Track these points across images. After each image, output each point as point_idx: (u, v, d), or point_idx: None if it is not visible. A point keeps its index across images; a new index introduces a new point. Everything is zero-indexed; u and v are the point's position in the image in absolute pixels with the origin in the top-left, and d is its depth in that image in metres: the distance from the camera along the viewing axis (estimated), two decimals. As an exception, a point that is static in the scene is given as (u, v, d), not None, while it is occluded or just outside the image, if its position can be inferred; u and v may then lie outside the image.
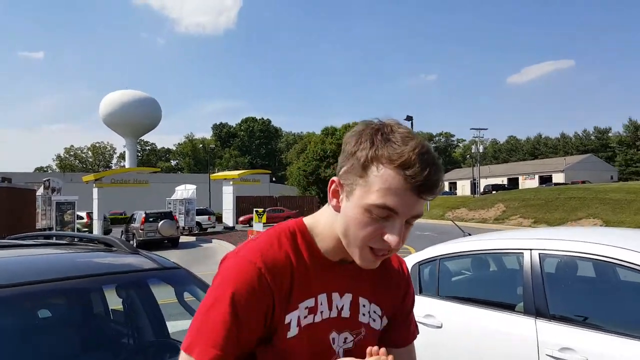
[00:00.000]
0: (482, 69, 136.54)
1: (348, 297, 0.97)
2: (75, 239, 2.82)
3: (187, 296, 2.27)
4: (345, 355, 0.97)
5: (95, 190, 20.62)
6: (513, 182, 65.74)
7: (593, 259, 2.75)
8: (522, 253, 2.95)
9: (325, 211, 0.96)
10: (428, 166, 0.80)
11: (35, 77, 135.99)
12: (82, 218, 23.52)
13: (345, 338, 0.97)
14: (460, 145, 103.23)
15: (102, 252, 2.37)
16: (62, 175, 43.84)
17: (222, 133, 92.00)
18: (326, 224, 0.94)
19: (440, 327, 3.12)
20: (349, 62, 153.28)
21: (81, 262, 2.22)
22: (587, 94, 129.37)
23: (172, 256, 2.59)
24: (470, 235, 3.98)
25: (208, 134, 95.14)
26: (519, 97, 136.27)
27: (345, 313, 0.96)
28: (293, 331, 0.89)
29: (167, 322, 2.42)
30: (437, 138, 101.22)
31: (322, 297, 0.94)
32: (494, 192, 41.27)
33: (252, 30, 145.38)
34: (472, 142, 71.58)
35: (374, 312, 1.01)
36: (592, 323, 2.59)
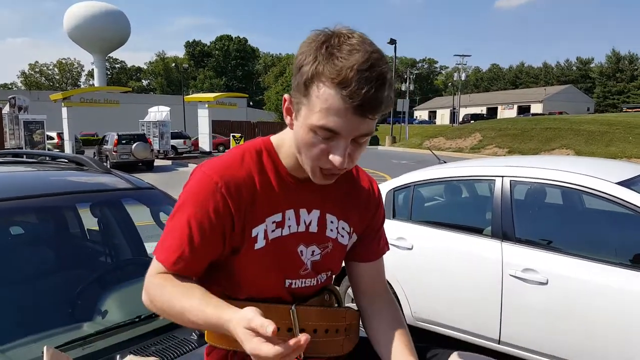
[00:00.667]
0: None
1: (316, 213, 1.01)
2: (46, 158, 2.74)
3: (163, 217, 2.27)
4: (313, 267, 1.03)
5: (64, 110, 19.80)
6: (492, 112, 66.17)
7: (561, 186, 2.85)
8: (494, 180, 3.03)
9: (290, 130, 0.95)
10: (368, 84, 0.76)
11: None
12: (52, 138, 22.87)
13: (313, 251, 1.02)
14: (443, 72, 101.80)
15: (74, 170, 2.30)
16: (29, 93, 41.83)
17: (196, 52, 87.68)
18: (289, 141, 0.95)
19: (411, 248, 3.26)
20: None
21: (53, 180, 2.16)
22: (575, 22, 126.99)
23: (148, 179, 2.55)
24: (445, 162, 4.04)
25: (181, 53, 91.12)
26: (505, 22, 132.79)
27: (313, 228, 1.00)
28: (260, 243, 0.94)
29: (144, 243, 2.44)
30: (420, 64, 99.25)
31: (290, 213, 0.97)
32: (472, 121, 41.59)
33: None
34: (454, 70, 70.72)
35: (342, 228, 1.05)
36: (555, 247, 2.74)
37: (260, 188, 0.94)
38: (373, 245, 1.12)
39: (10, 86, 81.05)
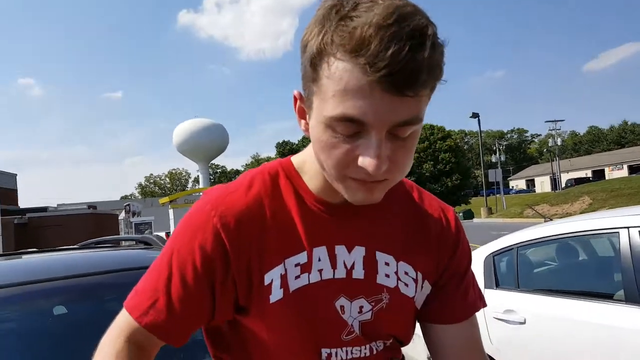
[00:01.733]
0: (554, 59, 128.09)
1: (360, 251, 0.72)
2: (121, 242, 2.96)
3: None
4: (363, 330, 0.72)
5: (170, 211, 21.81)
6: (598, 174, 60.73)
7: None
8: (617, 232, 2.51)
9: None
10: (396, 41, 0.50)
11: (117, 115, 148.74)
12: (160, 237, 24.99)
13: (361, 306, 0.71)
14: (536, 140, 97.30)
15: (141, 249, 2.43)
16: (143, 201, 47.07)
17: (285, 150, 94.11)
18: (313, 157, 0.69)
19: (524, 322, 2.73)
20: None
21: (116, 258, 2.24)
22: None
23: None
24: (551, 220, 3.53)
25: (273, 153, 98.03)
26: (598, 84, 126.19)
27: (358, 273, 0.71)
28: (277, 294, 0.67)
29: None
30: (509, 135, 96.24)
31: (320, 251, 0.70)
32: (577, 185, 38.26)
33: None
34: (548, 136, 67.29)
35: (405, 273, 0.75)
36: None
37: (273, 219, 0.69)
38: (457, 299, 0.79)
39: (129, 197, 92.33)
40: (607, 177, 55.65)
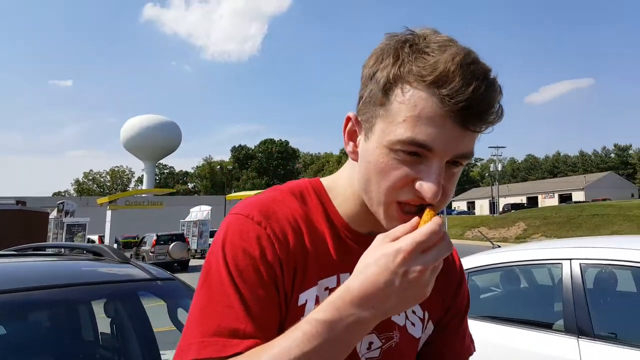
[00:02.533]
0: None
1: None
2: (64, 250, 2.69)
3: (182, 314, 2.01)
4: None
5: (108, 213, 20.61)
6: (532, 201, 64.58)
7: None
8: (560, 264, 2.62)
9: (346, 167, 0.73)
10: (474, 80, 0.55)
11: (63, 105, 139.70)
12: (93, 241, 23.49)
13: (370, 342, 0.70)
14: (478, 164, 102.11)
15: (90, 261, 2.21)
16: (79, 199, 44.35)
17: (241, 155, 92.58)
18: (347, 181, 0.71)
19: (469, 349, 2.77)
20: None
21: (65, 270, 2.05)
22: (606, 112, 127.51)
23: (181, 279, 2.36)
24: (499, 247, 3.65)
25: (227, 157, 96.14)
26: (537, 116, 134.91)
27: None
28: None
29: (160, 352, 2.18)
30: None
31: (346, 278, 0.66)
32: (513, 210, 40.39)
33: (275, 56, 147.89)
34: (490, 161, 70.80)
35: (413, 312, 0.75)
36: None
37: (309, 238, 0.67)
38: (457, 340, 0.80)
39: (63, 194, 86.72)
40: (540, 204, 59.29)
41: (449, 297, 0.79)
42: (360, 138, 0.65)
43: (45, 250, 2.76)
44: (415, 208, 0.61)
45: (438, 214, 0.60)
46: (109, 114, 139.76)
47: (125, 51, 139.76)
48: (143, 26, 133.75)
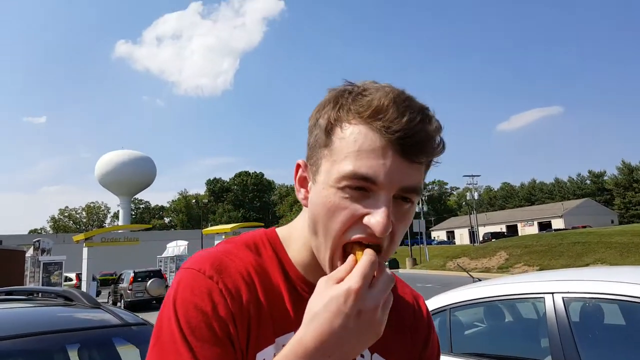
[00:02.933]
0: (470, 118, 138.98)
1: None
2: (37, 294, 2.64)
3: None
4: None
5: (84, 250, 19.97)
6: (512, 229, 65.36)
7: (629, 301, 2.38)
8: (543, 298, 2.59)
9: (301, 215, 0.72)
10: (408, 111, 0.58)
11: (37, 141, 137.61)
12: (70, 280, 22.71)
13: None
14: (455, 193, 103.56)
15: (62, 307, 2.19)
16: (55, 237, 43.10)
17: (216, 188, 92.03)
18: (302, 231, 0.69)
19: (457, 389, 2.69)
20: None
21: (36, 316, 2.05)
22: (578, 139, 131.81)
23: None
24: (479, 280, 3.62)
25: (202, 190, 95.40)
26: (509, 144, 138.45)
27: None
28: None
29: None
30: (430, 186, 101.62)
31: None
32: (493, 239, 40.75)
33: (247, 89, 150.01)
34: (466, 190, 71.91)
35: (362, 356, 0.72)
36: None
37: (263, 292, 0.66)
38: None
39: (39, 231, 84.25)
40: (519, 232, 60.05)
41: (418, 350, 0.77)
42: (310, 184, 0.65)
43: (15, 295, 2.71)
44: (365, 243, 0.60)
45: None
46: (83, 149, 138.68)
47: (98, 87, 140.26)
48: (115, 63, 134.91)
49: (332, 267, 0.61)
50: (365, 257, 0.56)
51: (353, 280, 0.53)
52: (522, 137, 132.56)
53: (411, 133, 0.57)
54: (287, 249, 0.71)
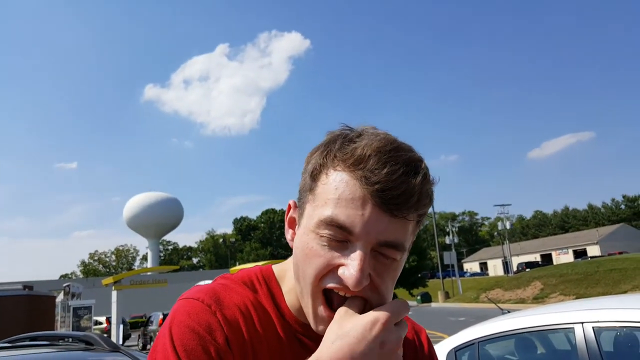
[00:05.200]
0: (501, 146, 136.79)
1: None
2: (58, 339, 2.66)
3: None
4: None
5: (113, 293, 20.25)
6: (546, 258, 63.08)
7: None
8: (572, 328, 2.51)
9: None
10: (390, 163, 0.57)
11: (69, 187, 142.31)
12: (101, 323, 22.90)
13: None
14: (486, 223, 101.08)
15: (81, 350, 2.20)
16: (85, 281, 43.88)
17: (243, 227, 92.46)
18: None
19: None
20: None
21: None
22: (611, 163, 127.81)
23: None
24: (508, 312, 3.53)
25: (229, 229, 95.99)
26: (541, 171, 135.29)
27: None
28: None
29: None
30: (460, 217, 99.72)
31: None
32: (527, 269, 39.33)
33: (274, 127, 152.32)
34: (497, 219, 70.20)
35: None
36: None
37: (262, 329, 0.65)
38: None
39: (70, 276, 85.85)
40: (554, 261, 57.83)
41: None
42: (297, 226, 0.66)
43: (39, 340, 2.75)
44: (342, 300, 0.59)
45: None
46: (113, 193, 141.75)
47: (127, 131, 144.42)
48: (144, 106, 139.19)
49: (315, 313, 0.61)
50: (398, 300, 0.57)
51: (382, 311, 0.54)
52: (554, 163, 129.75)
53: (390, 186, 0.56)
54: (282, 287, 0.71)
